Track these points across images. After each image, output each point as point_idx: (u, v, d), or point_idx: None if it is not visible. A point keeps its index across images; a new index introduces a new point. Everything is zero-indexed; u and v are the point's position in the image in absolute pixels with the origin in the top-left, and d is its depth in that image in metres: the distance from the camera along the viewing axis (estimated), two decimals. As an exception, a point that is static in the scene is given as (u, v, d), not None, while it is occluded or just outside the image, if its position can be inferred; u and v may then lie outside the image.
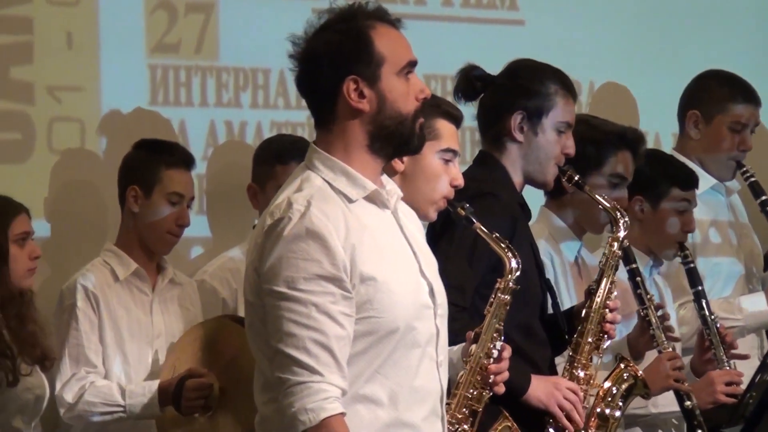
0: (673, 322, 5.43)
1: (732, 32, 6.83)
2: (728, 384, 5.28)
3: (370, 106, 3.63)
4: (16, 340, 4.89)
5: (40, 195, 5.65)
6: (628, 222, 4.82)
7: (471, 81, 4.70)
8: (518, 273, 4.22)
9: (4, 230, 4.92)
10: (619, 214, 4.77)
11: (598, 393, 4.78)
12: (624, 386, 4.82)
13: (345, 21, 3.67)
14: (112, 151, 5.63)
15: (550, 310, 4.86)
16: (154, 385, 5.16)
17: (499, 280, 4.18)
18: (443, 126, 4.02)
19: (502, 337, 4.19)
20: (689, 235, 5.71)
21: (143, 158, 5.38)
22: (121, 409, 5.16)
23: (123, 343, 5.29)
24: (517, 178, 4.74)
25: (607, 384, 4.78)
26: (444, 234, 4.54)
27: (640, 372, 4.86)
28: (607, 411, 4.81)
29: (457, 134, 4.21)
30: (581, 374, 4.69)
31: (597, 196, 4.84)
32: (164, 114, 5.90)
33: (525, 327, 4.61)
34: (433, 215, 4.09)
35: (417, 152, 3.80)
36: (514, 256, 4.20)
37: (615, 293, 4.77)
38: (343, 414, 3.49)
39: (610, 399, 4.81)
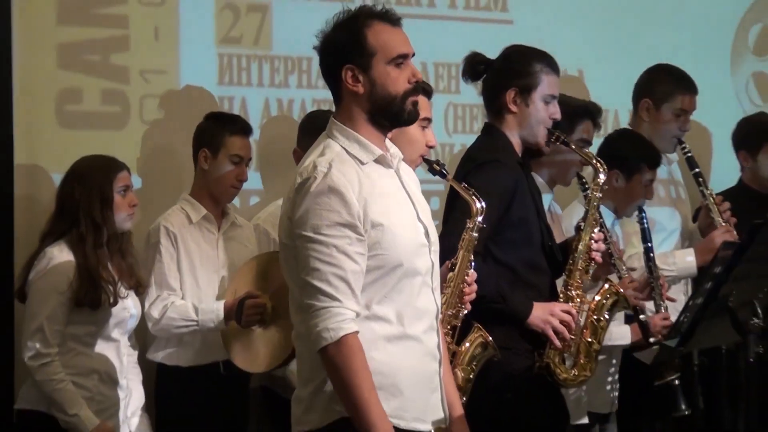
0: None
1: (678, 32, 6.79)
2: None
3: (364, 89, 3.79)
4: (117, 271, 5.07)
5: (134, 156, 5.73)
6: (606, 168, 4.96)
7: (474, 65, 4.85)
8: (482, 214, 4.36)
9: (110, 183, 5.05)
10: (598, 163, 4.94)
11: (589, 307, 4.88)
12: (609, 301, 4.93)
13: (347, 20, 3.84)
14: (188, 121, 5.65)
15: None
16: (220, 304, 5.30)
17: (468, 220, 4.35)
18: (420, 100, 3.94)
19: (473, 264, 4.38)
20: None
21: (212, 127, 5.50)
22: (195, 323, 5.32)
23: (195, 271, 5.47)
24: (515, 142, 4.85)
25: (597, 298, 4.91)
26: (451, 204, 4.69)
27: (621, 290, 4.97)
28: (597, 321, 4.92)
29: (429, 105, 4.29)
30: (574, 293, 4.84)
31: (583, 150, 5.04)
32: (229, 92, 6.03)
33: (530, 262, 4.79)
34: (413, 168, 4.07)
35: (409, 124, 3.94)
36: (478, 200, 4.36)
37: (597, 228, 4.95)
38: (356, 332, 3.64)
39: (599, 311, 4.91)
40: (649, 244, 5.61)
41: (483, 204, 4.38)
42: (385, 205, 3.76)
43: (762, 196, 6.17)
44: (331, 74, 3.86)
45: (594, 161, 4.96)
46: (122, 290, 5.07)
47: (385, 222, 3.73)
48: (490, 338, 4.44)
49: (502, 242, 4.63)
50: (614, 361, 5.57)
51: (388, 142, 3.91)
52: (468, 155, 4.87)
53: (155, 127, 5.92)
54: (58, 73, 5.73)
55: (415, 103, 3.84)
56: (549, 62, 4.89)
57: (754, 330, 4.29)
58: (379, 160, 3.83)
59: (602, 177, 4.93)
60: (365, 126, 3.83)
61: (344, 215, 3.67)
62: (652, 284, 5.51)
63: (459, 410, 4.00)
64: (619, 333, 5.52)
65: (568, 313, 4.76)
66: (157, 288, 5.37)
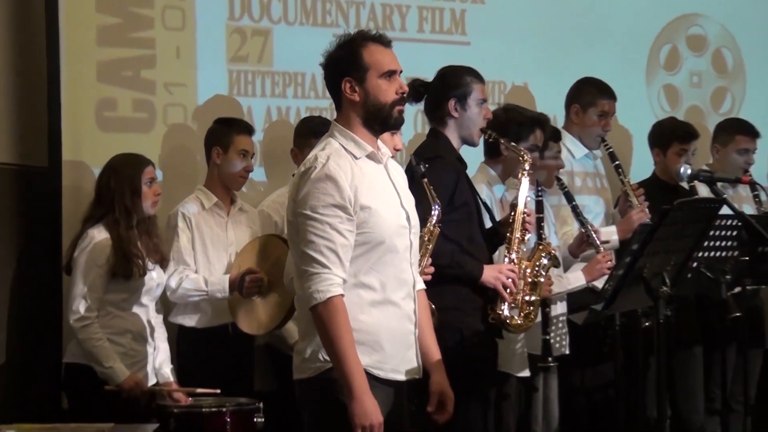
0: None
1: (604, 51, 6.78)
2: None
3: (360, 98, 3.82)
4: (145, 248, 5.10)
5: (158, 153, 5.74)
6: (531, 160, 4.96)
7: (416, 89, 4.77)
8: (439, 215, 4.46)
9: (138, 176, 5.06)
10: (525, 155, 4.95)
11: (526, 268, 4.89)
12: (544, 261, 4.94)
13: (347, 41, 3.87)
14: (204, 125, 5.68)
15: (489, 224, 4.97)
16: (226, 278, 5.34)
17: (430, 219, 4.44)
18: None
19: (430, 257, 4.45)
20: (570, 180, 5.86)
21: (221, 128, 5.53)
22: (205, 293, 5.35)
23: (207, 250, 5.47)
24: (456, 143, 4.88)
25: (534, 260, 4.91)
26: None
27: (553, 250, 5.00)
28: (536, 278, 4.92)
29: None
30: (514, 257, 4.84)
31: (511, 145, 5.00)
32: (238, 101, 6.02)
33: (471, 237, 4.79)
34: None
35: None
36: (438, 203, 4.48)
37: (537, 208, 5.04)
38: (342, 295, 3.67)
39: (536, 271, 4.92)
40: (574, 203, 5.64)
41: (439, 207, 4.47)
42: (373, 192, 3.79)
43: (670, 187, 6.19)
44: (333, 85, 3.90)
45: (521, 152, 4.98)
46: (149, 264, 5.11)
47: (372, 206, 3.76)
48: (433, 306, 4.36)
49: (449, 222, 4.64)
50: (561, 321, 5.55)
51: (379, 142, 3.94)
52: (417, 153, 4.85)
53: (176, 130, 5.93)
54: (98, 85, 5.77)
55: (401, 111, 3.88)
56: (476, 74, 4.93)
57: (663, 296, 4.40)
58: (371, 156, 3.86)
59: (527, 166, 4.95)
60: (360, 128, 3.86)
61: (337, 198, 3.71)
62: (587, 233, 5.55)
63: (437, 356, 4.01)
64: (575, 278, 5.56)
65: (513, 271, 4.80)
66: (175, 263, 5.39)
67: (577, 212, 5.69)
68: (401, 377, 3.86)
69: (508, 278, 4.76)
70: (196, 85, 5.96)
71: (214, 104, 5.99)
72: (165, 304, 5.44)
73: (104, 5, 5.78)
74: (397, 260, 3.84)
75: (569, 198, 5.72)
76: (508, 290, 4.75)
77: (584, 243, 5.53)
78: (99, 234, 5.05)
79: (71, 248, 5.11)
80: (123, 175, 5.08)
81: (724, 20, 7.27)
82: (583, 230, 5.57)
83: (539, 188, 5.26)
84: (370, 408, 3.66)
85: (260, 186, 6.06)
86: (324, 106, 6.11)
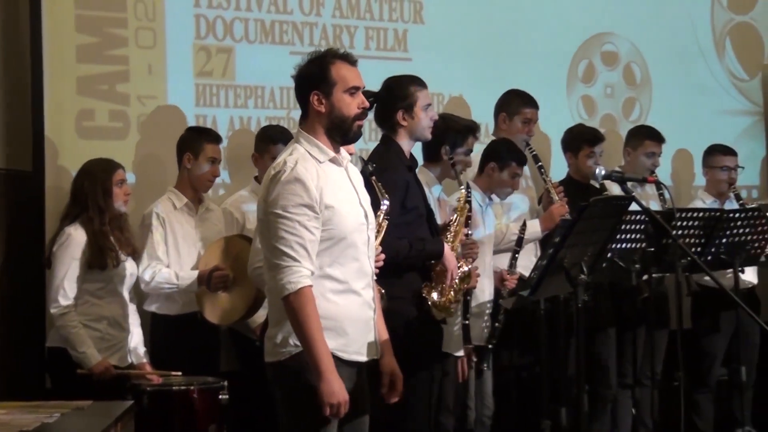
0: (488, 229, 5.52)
1: (530, 65, 6.74)
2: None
3: (326, 110, 3.78)
4: (117, 242, 5.05)
5: (132, 159, 5.70)
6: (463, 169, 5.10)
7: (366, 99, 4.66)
8: (388, 209, 4.41)
9: (109, 178, 5.03)
10: (458, 170, 5.07)
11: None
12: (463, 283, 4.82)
13: (317, 58, 3.83)
14: (174, 134, 5.60)
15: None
16: (194, 273, 5.28)
17: (379, 213, 4.35)
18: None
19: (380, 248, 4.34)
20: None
21: (193, 137, 5.48)
22: (176, 286, 5.30)
23: (178, 245, 5.42)
24: (407, 147, 4.77)
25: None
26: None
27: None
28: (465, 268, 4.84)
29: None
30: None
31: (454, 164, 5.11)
32: (203, 112, 5.95)
33: (419, 237, 4.69)
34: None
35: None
36: (387, 198, 4.44)
37: (469, 208, 4.98)
38: (311, 286, 3.65)
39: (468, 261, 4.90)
40: (540, 164, 5.80)
41: (388, 202, 4.44)
42: (336, 193, 3.78)
43: (583, 186, 6.11)
44: (302, 96, 3.86)
45: (452, 166, 5.06)
46: (122, 256, 5.07)
47: (335, 205, 3.74)
48: (383, 290, 4.37)
49: (401, 224, 4.58)
50: (489, 306, 5.50)
51: (342, 149, 3.91)
52: (370, 158, 4.78)
53: (148, 138, 5.86)
54: (77, 98, 5.70)
55: (360, 126, 3.84)
56: (419, 82, 4.85)
57: (581, 283, 4.40)
58: (333, 160, 3.83)
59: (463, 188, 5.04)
60: (322, 136, 3.83)
61: (305, 198, 3.69)
62: (547, 187, 5.68)
63: (385, 337, 3.99)
64: (532, 225, 5.66)
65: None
66: (149, 258, 5.33)
67: (542, 171, 5.82)
68: (363, 358, 3.84)
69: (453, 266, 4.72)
70: (166, 98, 5.90)
71: (183, 115, 5.92)
72: (139, 294, 5.38)
73: (83, 26, 5.72)
74: (357, 254, 3.82)
75: (537, 159, 5.85)
76: (451, 276, 4.70)
77: (547, 197, 5.63)
78: (75, 230, 5.00)
79: (50, 244, 5.07)
80: (95, 178, 5.04)
81: (633, 39, 7.25)
82: (545, 186, 5.70)
83: (468, 189, 5.19)
84: (337, 387, 3.65)
85: (224, 187, 6.02)
86: (281, 115, 6.10)
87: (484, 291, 5.44)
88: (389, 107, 4.80)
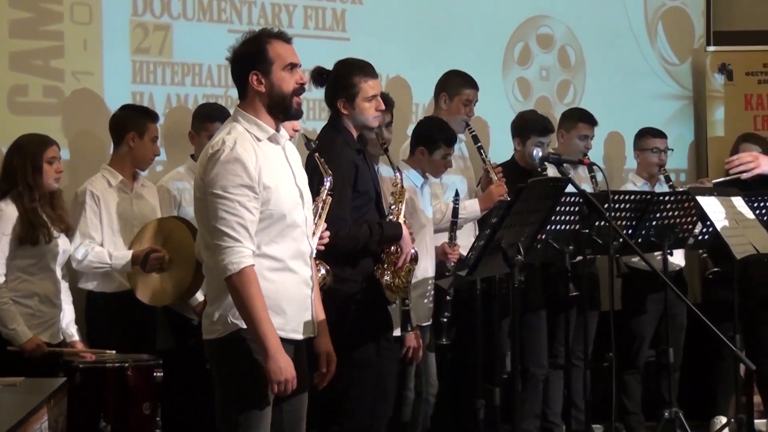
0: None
1: (468, 47, 6.75)
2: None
3: (265, 89, 3.77)
4: (49, 218, 4.99)
5: (66, 136, 5.63)
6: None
7: (319, 76, 4.55)
8: (331, 185, 4.38)
9: (40, 154, 4.96)
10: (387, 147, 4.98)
11: None
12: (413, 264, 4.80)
13: (253, 38, 3.81)
14: (110, 110, 5.60)
15: None
16: (129, 253, 5.22)
17: (323, 189, 4.36)
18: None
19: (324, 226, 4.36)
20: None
21: (138, 116, 5.43)
22: (108, 266, 5.25)
23: (113, 223, 5.36)
24: (354, 131, 4.70)
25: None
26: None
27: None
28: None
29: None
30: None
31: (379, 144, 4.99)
32: (140, 89, 5.90)
33: (376, 220, 4.67)
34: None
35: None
36: (330, 175, 4.40)
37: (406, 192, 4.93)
38: (253, 265, 3.65)
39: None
40: (479, 144, 5.84)
41: (330, 178, 4.41)
42: (273, 173, 3.76)
43: (527, 171, 6.05)
44: (239, 76, 3.83)
45: (382, 146, 4.98)
46: (55, 232, 5.00)
47: (272, 185, 3.73)
48: (328, 267, 4.39)
49: (352, 208, 4.56)
50: (429, 285, 5.50)
51: (281, 127, 3.90)
52: (318, 137, 4.75)
53: (83, 115, 5.78)
54: (10, 74, 5.60)
55: (299, 103, 3.83)
56: (367, 71, 4.74)
57: (517, 264, 4.38)
58: (271, 139, 3.82)
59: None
60: (264, 115, 3.81)
61: (245, 179, 3.67)
62: (487, 167, 5.78)
63: (321, 316, 3.99)
64: (471, 205, 5.69)
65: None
66: (81, 237, 5.27)
67: (481, 152, 5.86)
68: (300, 336, 3.83)
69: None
70: (102, 74, 5.81)
71: (119, 92, 5.83)
72: (74, 272, 5.33)
73: (17, 1, 5.62)
74: (295, 233, 3.81)
75: (476, 140, 5.88)
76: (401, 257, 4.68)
77: (486, 177, 5.68)
78: (6, 206, 4.94)
79: (-19, 220, 4.99)
80: (26, 154, 4.97)
81: (568, 21, 7.28)
82: (484, 166, 5.75)
83: (400, 172, 5.08)
84: (284, 364, 3.65)
85: (161, 164, 5.94)
86: (219, 93, 6.05)
87: (427, 270, 5.42)
88: (331, 94, 4.74)
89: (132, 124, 5.43)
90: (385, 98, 5.26)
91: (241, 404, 3.72)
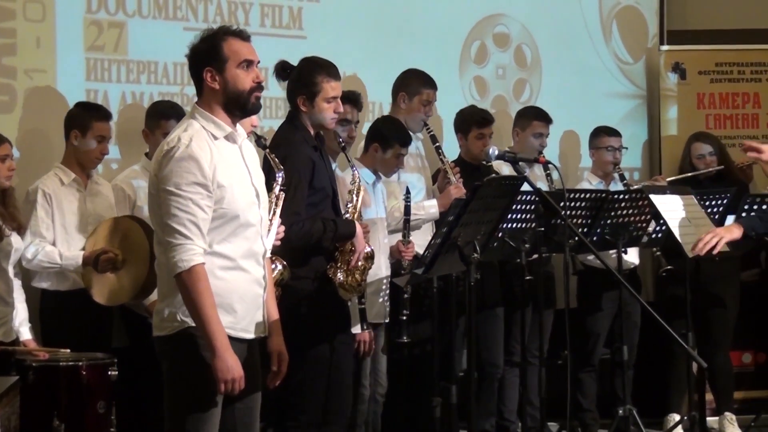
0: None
1: (425, 46, 6.76)
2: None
3: (220, 86, 3.74)
4: (2, 216, 4.93)
5: (18, 134, 5.59)
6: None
7: (283, 70, 4.63)
8: (283, 180, 4.41)
9: None
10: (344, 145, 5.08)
11: None
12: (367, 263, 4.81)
13: (209, 36, 3.79)
14: (63, 109, 5.54)
15: None
16: (80, 254, 5.20)
17: (275, 185, 4.37)
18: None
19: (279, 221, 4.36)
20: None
21: (81, 113, 5.39)
22: (59, 266, 5.23)
23: (65, 222, 5.33)
24: (312, 129, 4.70)
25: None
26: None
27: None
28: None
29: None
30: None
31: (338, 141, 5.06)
32: (95, 87, 5.85)
33: (330, 217, 4.66)
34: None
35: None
36: (282, 170, 4.42)
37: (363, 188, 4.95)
38: (203, 263, 3.63)
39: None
40: (438, 144, 5.89)
41: (283, 174, 4.40)
42: (229, 171, 3.74)
43: (473, 167, 6.12)
44: (195, 73, 3.81)
45: (340, 146, 5.05)
46: (7, 231, 4.93)
47: (227, 184, 3.71)
48: (285, 262, 4.40)
49: (308, 205, 4.56)
50: (385, 284, 5.50)
51: (238, 125, 3.87)
52: (276, 134, 4.75)
53: (35, 113, 5.73)
54: (-39, 72, 5.58)
55: (258, 98, 3.81)
56: (329, 72, 4.73)
57: (473, 262, 4.40)
58: (228, 137, 3.80)
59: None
60: (220, 112, 3.78)
61: (199, 177, 3.65)
62: (444, 168, 5.79)
63: (275, 316, 3.98)
64: (430, 205, 5.72)
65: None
66: (32, 236, 5.23)
67: (439, 152, 5.88)
68: (250, 336, 3.82)
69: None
70: (55, 72, 5.77)
71: (72, 90, 5.79)
72: (26, 270, 5.29)
73: (-33, -2, 5.63)
74: (248, 232, 3.78)
75: (434, 140, 5.91)
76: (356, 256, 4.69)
77: (444, 177, 5.70)
78: None
79: (-66, 217, 4.96)
80: None
81: (524, 20, 7.30)
82: (442, 167, 5.76)
83: (355, 168, 5.11)
84: (232, 364, 3.63)
85: (116, 162, 5.91)
86: (175, 91, 6.02)
87: (381, 268, 5.41)
88: (292, 89, 4.73)
89: (75, 121, 5.39)
90: (356, 98, 5.38)
91: (189, 401, 3.70)
